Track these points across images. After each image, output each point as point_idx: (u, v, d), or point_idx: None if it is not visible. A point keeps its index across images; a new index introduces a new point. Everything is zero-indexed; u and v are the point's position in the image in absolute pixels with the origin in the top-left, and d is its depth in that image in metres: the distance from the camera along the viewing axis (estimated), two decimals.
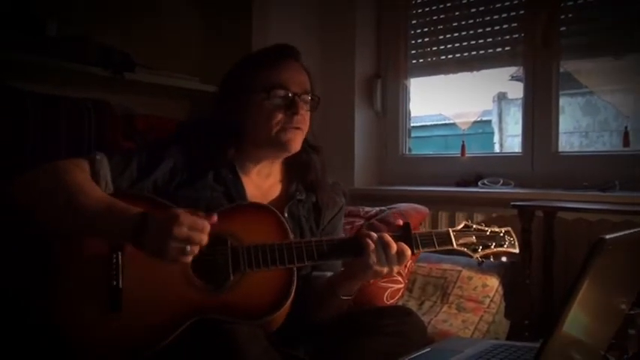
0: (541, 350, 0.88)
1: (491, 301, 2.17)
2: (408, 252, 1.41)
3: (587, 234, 2.19)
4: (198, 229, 1.25)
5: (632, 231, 1.01)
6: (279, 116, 1.52)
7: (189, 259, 1.27)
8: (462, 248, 1.48)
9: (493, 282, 2.22)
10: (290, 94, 1.53)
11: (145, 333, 1.31)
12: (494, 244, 1.50)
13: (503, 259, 1.52)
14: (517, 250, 1.52)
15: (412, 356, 1.32)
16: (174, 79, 2.50)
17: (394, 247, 1.39)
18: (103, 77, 2.25)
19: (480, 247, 1.48)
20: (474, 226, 1.51)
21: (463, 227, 1.50)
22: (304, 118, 1.56)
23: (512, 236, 1.53)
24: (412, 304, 2.21)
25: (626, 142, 2.38)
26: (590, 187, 2.31)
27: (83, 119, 2.12)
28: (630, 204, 2.12)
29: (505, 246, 1.51)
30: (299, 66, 1.61)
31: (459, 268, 2.29)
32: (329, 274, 1.58)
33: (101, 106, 2.20)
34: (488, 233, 1.51)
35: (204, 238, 1.26)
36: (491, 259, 1.51)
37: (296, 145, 1.56)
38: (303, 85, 1.57)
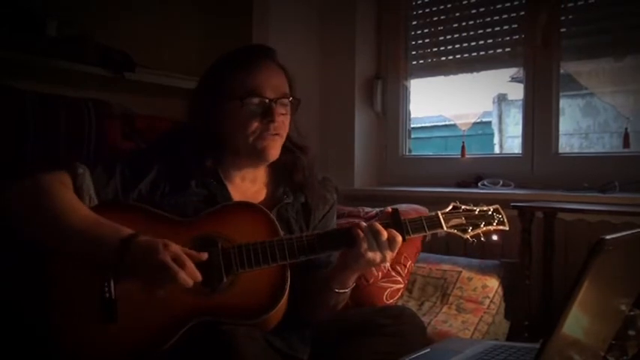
0: (541, 351, 0.88)
1: (491, 301, 2.17)
2: (399, 237, 1.40)
3: (587, 235, 2.19)
4: (178, 262, 1.27)
5: (632, 232, 1.01)
6: (255, 124, 1.48)
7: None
8: (453, 230, 1.47)
9: (493, 283, 2.22)
10: (266, 101, 1.48)
11: (142, 340, 1.31)
12: (483, 222, 1.50)
13: (494, 237, 1.51)
14: (507, 227, 1.52)
15: (412, 357, 1.32)
16: (174, 80, 2.50)
17: (384, 233, 1.38)
18: (103, 77, 2.25)
19: (470, 228, 1.48)
20: (463, 207, 1.50)
21: (452, 209, 1.50)
22: (282, 123, 1.51)
23: (500, 214, 1.53)
24: (412, 305, 2.21)
25: (626, 143, 2.39)
26: (590, 188, 2.31)
27: (83, 119, 2.11)
28: (630, 205, 2.12)
29: (495, 224, 1.50)
30: (275, 67, 1.54)
31: (459, 269, 2.29)
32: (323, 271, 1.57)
33: (101, 106, 2.20)
34: (477, 212, 1.50)
35: (181, 273, 1.26)
36: (482, 238, 1.50)
37: (274, 152, 1.52)
38: (280, 88, 1.52)
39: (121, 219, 1.35)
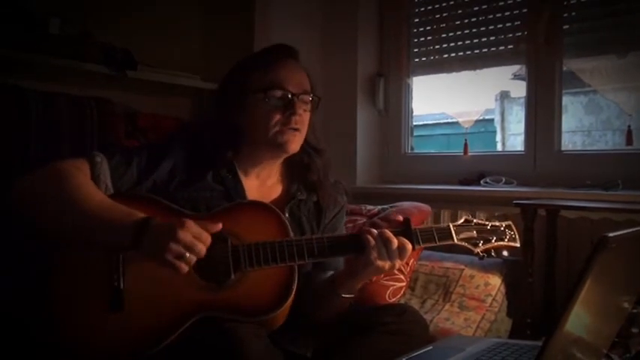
0: (543, 349, 0.88)
1: (494, 299, 2.17)
2: (409, 246, 1.40)
3: (589, 232, 2.18)
4: (201, 240, 1.28)
5: (635, 229, 1.01)
6: (277, 117, 1.51)
7: (185, 268, 1.28)
8: (463, 243, 1.47)
9: (495, 280, 2.22)
10: (288, 95, 1.52)
11: (147, 332, 1.32)
12: (494, 238, 1.49)
13: (505, 253, 1.51)
14: (518, 244, 1.51)
15: (414, 354, 1.32)
16: (176, 77, 2.50)
17: (395, 242, 1.38)
18: (105, 75, 2.26)
19: (481, 242, 1.48)
20: (475, 220, 1.50)
21: (463, 222, 1.49)
22: (303, 118, 1.54)
23: (512, 230, 1.52)
24: (414, 303, 2.21)
25: (629, 140, 2.38)
26: (593, 185, 2.30)
27: (85, 117, 2.12)
28: (633, 202, 2.11)
29: (506, 240, 1.50)
30: (298, 66, 1.59)
31: (462, 267, 2.29)
32: (330, 273, 1.57)
33: (103, 104, 2.20)
34: (488, 227, 1.50)
35: (204, 250, 1.29)
36: (493, 254, 1.50)
37: (294, 146, 1.54)
38: (302, 85, 1.55)
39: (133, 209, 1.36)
